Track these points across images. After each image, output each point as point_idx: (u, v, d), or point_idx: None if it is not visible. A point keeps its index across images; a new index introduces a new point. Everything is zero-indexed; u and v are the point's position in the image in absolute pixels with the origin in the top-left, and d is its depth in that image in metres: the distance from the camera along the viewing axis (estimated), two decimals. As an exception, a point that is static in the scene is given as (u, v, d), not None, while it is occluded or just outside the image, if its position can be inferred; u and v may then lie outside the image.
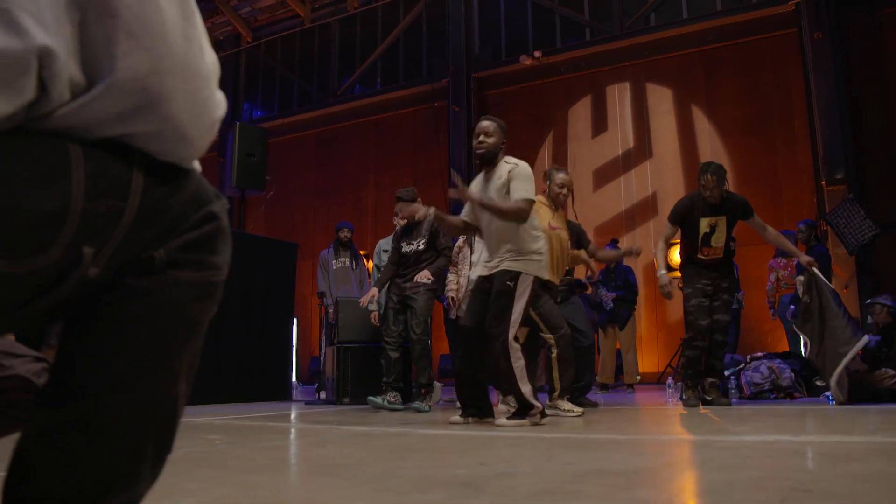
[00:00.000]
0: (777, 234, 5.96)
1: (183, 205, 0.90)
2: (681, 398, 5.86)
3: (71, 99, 0.81)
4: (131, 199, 0.84)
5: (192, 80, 0.87)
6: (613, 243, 9.21)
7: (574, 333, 5.83)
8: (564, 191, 5.41)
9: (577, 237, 5.95)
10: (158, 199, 0.87)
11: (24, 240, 0.77)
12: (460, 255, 6.23)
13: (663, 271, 5.72)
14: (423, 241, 6.06)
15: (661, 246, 5.85)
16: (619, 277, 8.87)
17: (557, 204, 5.40)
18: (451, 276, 6.28)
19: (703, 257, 5.69)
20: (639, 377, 8.94)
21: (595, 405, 5.82)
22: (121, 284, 0.87)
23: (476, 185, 4.92)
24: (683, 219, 5.73)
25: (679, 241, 6.01)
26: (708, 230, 5.62)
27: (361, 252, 11.86)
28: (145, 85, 0.83)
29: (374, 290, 6.19)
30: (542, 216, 5.11)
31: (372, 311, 6.47)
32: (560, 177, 5.44)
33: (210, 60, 0.91)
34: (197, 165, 0.96)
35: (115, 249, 0.84)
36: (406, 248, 6.13)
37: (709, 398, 5.59)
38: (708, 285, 5.66)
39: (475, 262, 5.91)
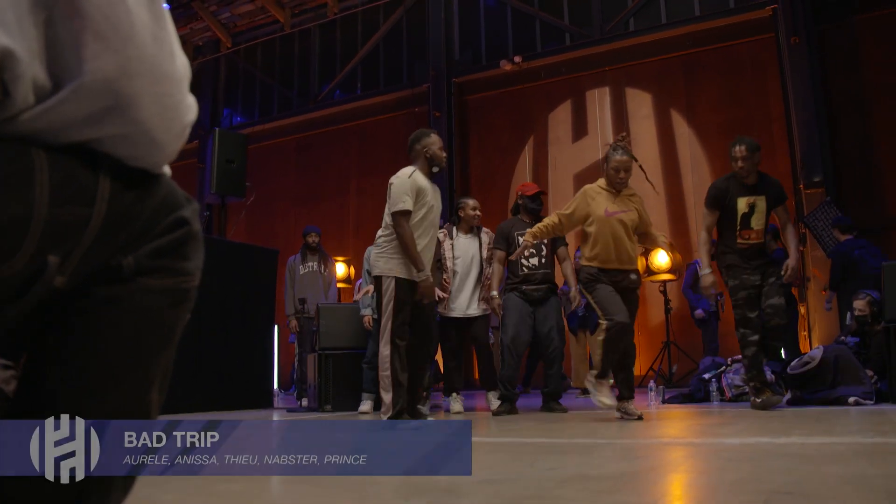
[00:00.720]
0: (794, 236, 5.67)
1: (152, 210, 0.87)
2: (756, 400, 5.24)
3: (36, 102, 0.78)
4: (98, 206, 0.81)
5: (162, 84, 0.85)
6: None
7: (543, 338, 5.88)
8: (621, 174, 4.97)
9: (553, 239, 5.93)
10: (127, 205, 0.85)
11: None
12: (443, 248, 6.16)
13: (707, 270, 5.43)
14: None
15: (703, 238, 5.53)
16: None
17: (617, 187, 5.01)
18: None
19: (742, 243, 5.30)
20: (612, 381, 8.93)
21: (564, 410, 5.80)
22: (89, 293, 0.84)
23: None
24: (720, 202, 5.39)
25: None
26: (747, 210, 5.27)
27: (342, 258, 11.87)
28: (114, 87, 0.80)
29: (370, 287, 6.12)
30: (599, 203, 4.94)
31: (365, 315, 6.42)
32: (616, 158, 4.99)
33: (181, 63, 0.89)
34: (167, 170, 0.94)
35: (83, 257, 0.82)
36: None
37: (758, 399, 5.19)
38: (753, 273, 5.28)
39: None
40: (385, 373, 4.50)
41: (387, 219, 4.85)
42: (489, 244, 6.13)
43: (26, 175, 0.76)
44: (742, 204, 5.30)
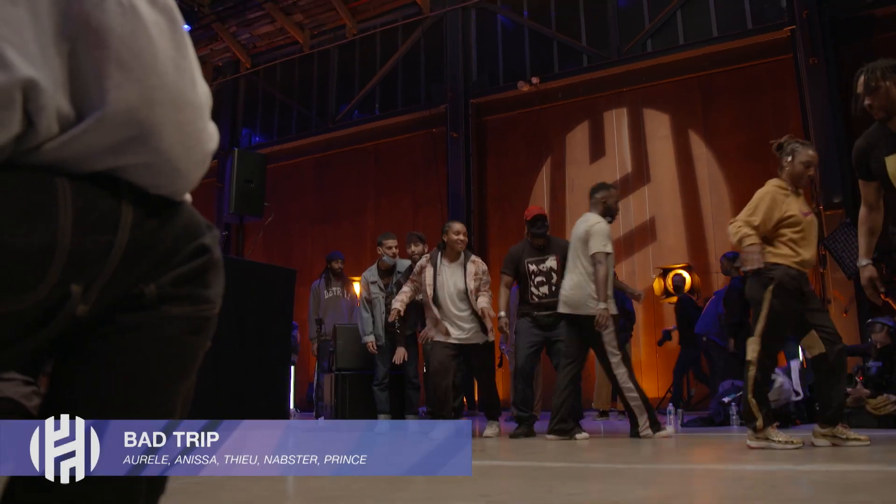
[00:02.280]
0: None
1: (174, 238, 0.87)
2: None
3: (59, 132, 0.79)
4: (121, 234, 0.81)
5: (184, 112, 0.85)
6: None
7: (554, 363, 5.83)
8: (811, 170, 4.52)
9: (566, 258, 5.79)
10: (149, 233, 0.84)
11: (10, 278, 0.74)
12: (422, 276, 5.96)
13: (865, 262, 4.06)
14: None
15: (863, 217, 4.08)
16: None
17: (799, 184, 4.54)
18: (405, 288, 6.09)
19: None
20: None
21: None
22: (111, 321, 0.84)
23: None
24: (865, 165, 3.90)
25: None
26: None
27: (358, 278, 11.86)
28: (137, 117, 0.81)
29: (403, 351, 6.38)
30: (791, 205, 4.42)
31: (368, 341, 6.47)
32: (808, 153, 4.54)
33: (202, 92, 0.89)
34: (188, 197, 0.94)
35: (105, 285, 0.82)
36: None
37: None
38: None
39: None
40: (632, 394, 5.21)
41: (582, 259, 5.41)
42: (476, 274, 5.84)
43: (50, 204, 0.77)
44: (892, 164, 3.68)
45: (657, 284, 10.62)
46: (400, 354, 6.26)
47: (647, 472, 3.23)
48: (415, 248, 6.54)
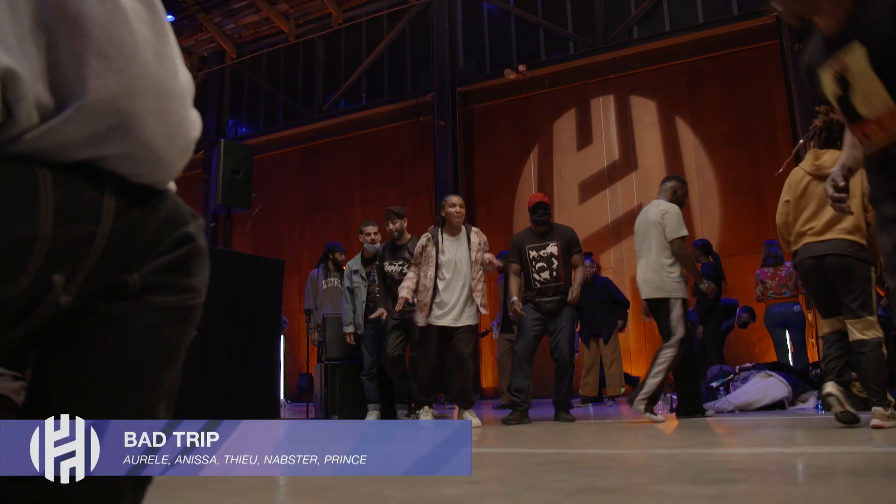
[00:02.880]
0: None
1: (157, 227, 0.87)
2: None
3: (40, 122, 0.78)
4: (103, 224, 0.81)
5: (166, 101, 0.85)
6: (588, 256, 9.15)
7: (553, 349, 5.86)
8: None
9: (567, 245, 6.02)
10: (132, 222, 0.84)
11: None
12: (423, 255, 5.80)
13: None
14: (406, 263, 6.08)
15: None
16: (599, 292, 8.87)
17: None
18: (410, 274, 5.84)
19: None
20: (623, 389, 8.90)
21: (572, 420, 5.78)
22: (95, 311, 0.84)
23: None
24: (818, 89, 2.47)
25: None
26: (837, 87, 2.29)
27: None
28: (118, 106, 0.80)
29: (382, 310, 6.24)
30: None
31: (348, 332, 6.50)
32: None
33: (184, 79, 0.88)
34: (172, 185, 0.93)
35: (88, 275, 0.81)
36: (388, 268, 6.19)
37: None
38: None
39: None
40: (659, 374, 5.36)
41: (655, 243, 5.68)
42: (479, 244, 5.77)
43: (31, 194, 0.76)
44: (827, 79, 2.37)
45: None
46: (378, 313, 6.26)
47: (635, 458, 3.25)
48: (392, 226, 6.34)
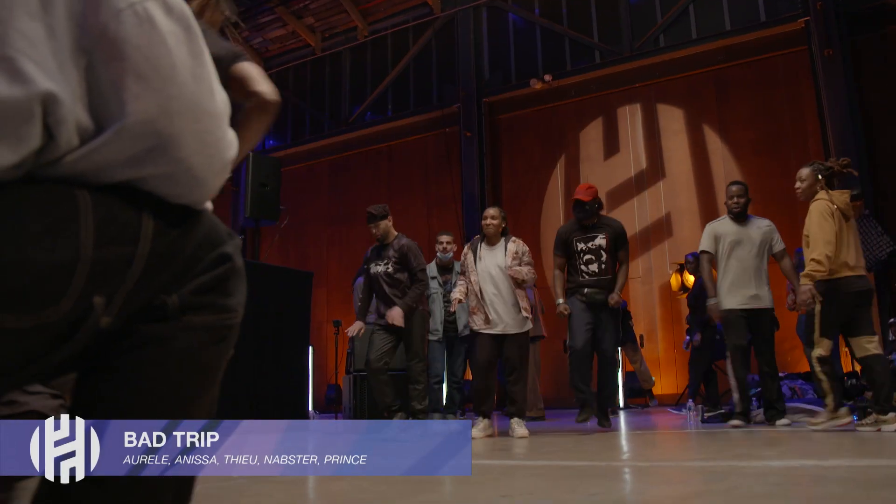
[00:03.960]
0: None
1: (195, 247, 0.87)
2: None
3: (79, 144, 0.79)
4: (142, 245, 0.81)
5: (203, 121, 0.85)
6: None
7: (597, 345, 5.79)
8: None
9: (615, 238, 5.94)
10: (170, 242, 0.84)
11: (33, 293, 0.74)
12: (465, 263, 5.94)
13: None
14: (391, 262, 5.89)
15: None
16: None
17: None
18: (461, 281, 5.97)
19: None
20: (654, 379, 8.86)
21: (608, 425, 5.78)
22: (134, 332, 0.84)
23: None
24: None
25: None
26: None
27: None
28: (156, 128, 0.81)
29: (360, 324, 5.98)
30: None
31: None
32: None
33: (220, 100, 0.89)
34: (209, 205, 0.94)
35: (128, 296, 0.82)
36: (374, 269, 5.98)
37: None
38: None
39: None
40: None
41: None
42: (516, 253, 5.78)
43: (71, 217, 0.77)
44: None
45: (674, 280, 10.55)
46: (355, 328, 5.98)
47: (668, 470, 3.21)
48: (375, 231, 6.14)
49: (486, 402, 5.71)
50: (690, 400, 7.07)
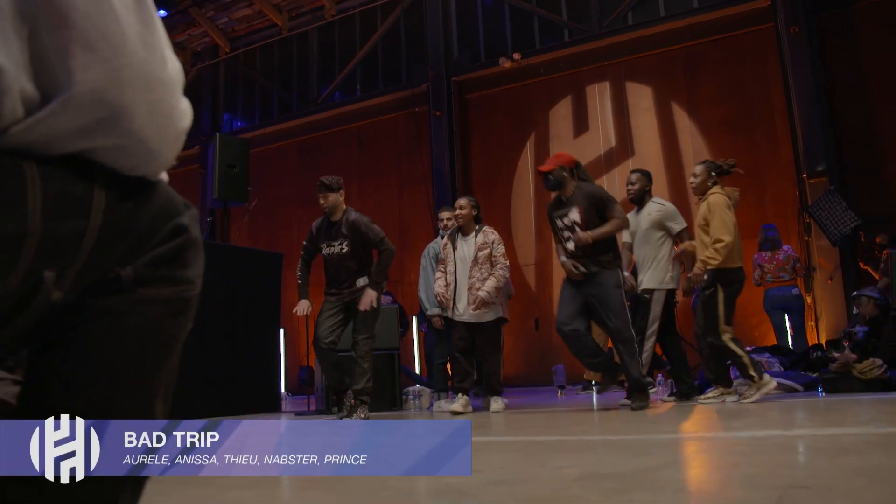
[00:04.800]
0: None
1: (150, 219, 0.85)
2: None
3: (25, 115, 0.76)
4: (93, 218, 0.79)
5: (155, 91, 0.83)
6: None
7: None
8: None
9: (592, 206, 5.46)
10: (123, 215, 0.82)
11: None
12: (445, 251, 6.12)
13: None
14: (345, 242, 5.70)
15: None
16: None
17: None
18: (438, 274, 6.16)
19: None
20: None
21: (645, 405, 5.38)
22: (88, 306, 0.82)
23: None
24: None
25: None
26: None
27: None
28: (105, 98, 0.78)
29: (306, 302, 5.78)
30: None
31: (435, 314, 6.75)
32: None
33: (173, 68, 0.86)
34: (164, 176, 0.92)
35: (80, 271, 0.80)
36: (327, 251, 5.78)
37: None
38: None
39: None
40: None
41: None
42: (484, 244, 5.87)
43: (19, 190, 0.74)
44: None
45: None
46: (303, 307, 5.78)
47: (638, 443, 3.25)
48: (323, 202, 5.91)
49: (465, 381, 5.91)
50: (660, 375, 7.13)
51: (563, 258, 5.51)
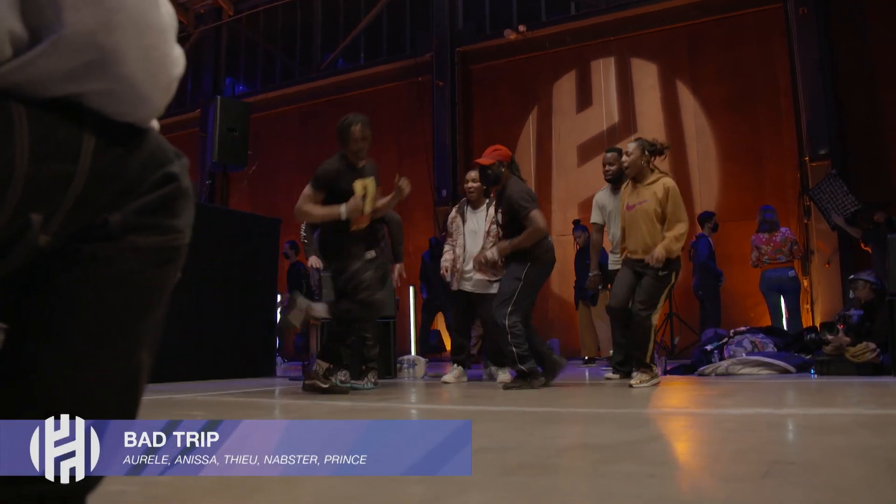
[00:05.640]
0: None
1: (140, 167, 0.84)
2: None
3: (13, 55, 0.75)
4: (82, 162, 0.78)
5: (147, 36, 0.81)
6: (578, 226, 9.13)
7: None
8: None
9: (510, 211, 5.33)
10: (112, 161, 0.81)
11: None
12: (453, 225, 6.11)
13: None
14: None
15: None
16: (586, 257, 8.86)
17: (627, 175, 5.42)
18: (446, 247, 6.15)
19: None
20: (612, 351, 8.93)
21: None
22: (75, 252, 0.81)
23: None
24: None
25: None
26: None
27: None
28: (95, 41, 0.77)
29: (315, 259, 6.14)
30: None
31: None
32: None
33: (166, 13, 0.84)
34: (155, 124, 0.91)
35: (67, 215, 0.79)
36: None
37: None
38: None
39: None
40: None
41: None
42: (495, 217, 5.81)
43: (5, 131, 0.73)
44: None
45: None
46: (316, 260, 6.08)
47: (627, 416, 3.26)
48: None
49: (462, 352, 6.01)
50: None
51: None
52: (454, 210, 6.22)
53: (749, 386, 4.86)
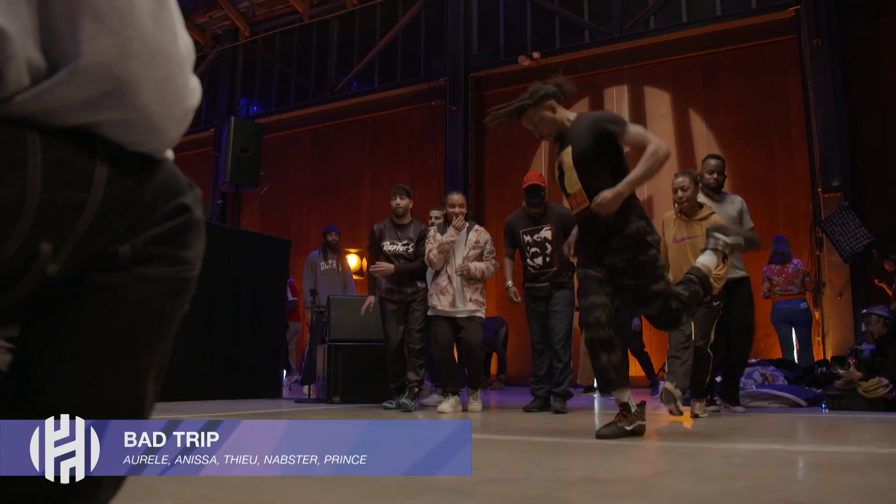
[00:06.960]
0: None
1: (152, 197, 0.84)
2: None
3: (31, 84, 0.75)
4: (94, 191, 0.78)
5: (163, 67, 0.81)
6: None
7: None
8: (678, 193, 5.20)
9: (563, 227, 5.64)
10: (125, 190, 0.81)
11: None
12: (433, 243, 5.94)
13: None
14: (410, 244, 5.99)
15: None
16: None
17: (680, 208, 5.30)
18: (430, 243, 5.90)
19: None
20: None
21: (564, 411, 5.57)
22: (84, 281, 0.81)
23: None
24: None
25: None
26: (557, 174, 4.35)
27: (354, 250, 11.93)
28: (112, 71, 0.77)
29: (372, 298, 6.05)
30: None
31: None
32: (675, 181, 5.27)
33: (183, 44, 0.85)
34: (169, 154, 0.91)
35: (77, 244, 0.78)
36: (390, 247, 5.99)
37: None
38: None
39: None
40: None
41: None
42: (477, 242, 5.82)
43: (19, 159, 0.73)
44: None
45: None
46: (370, 301, 6.12)
47: (635, 449, 3.22)
48: (400, 202, 6.09)
49: (453, 380, 5.74)
50: (661, 382, 7.09)
51: (510, 283, 5.81)
52: (432, 230, 5.98)
53: (760, 420, 4.81)
